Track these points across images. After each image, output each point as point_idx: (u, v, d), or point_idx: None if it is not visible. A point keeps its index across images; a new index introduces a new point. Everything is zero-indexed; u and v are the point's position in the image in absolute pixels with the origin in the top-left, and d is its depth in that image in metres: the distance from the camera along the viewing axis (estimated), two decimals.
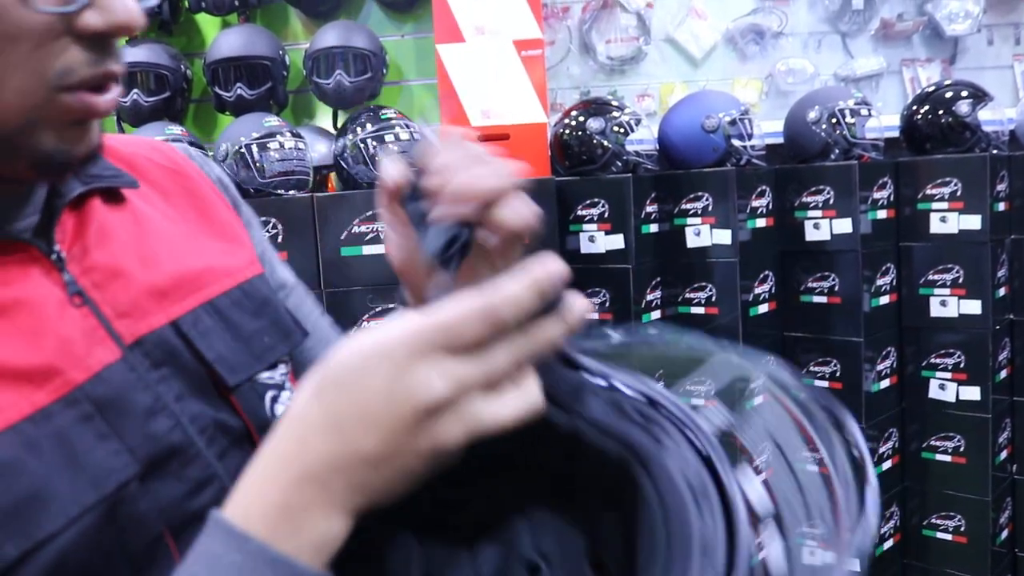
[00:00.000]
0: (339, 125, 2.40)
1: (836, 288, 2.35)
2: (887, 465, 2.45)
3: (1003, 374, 2.41)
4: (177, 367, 0.62)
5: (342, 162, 2.20)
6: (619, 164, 2.27)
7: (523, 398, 0.46)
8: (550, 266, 0.45)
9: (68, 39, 0.52)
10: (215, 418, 0.63)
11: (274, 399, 0.68)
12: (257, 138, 2.05)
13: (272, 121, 2.11)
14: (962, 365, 2.37)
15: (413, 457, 0.45)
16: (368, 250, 2.04)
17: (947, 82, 2.53)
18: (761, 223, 2.34)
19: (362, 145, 2.15)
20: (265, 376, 0.68)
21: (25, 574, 0.50)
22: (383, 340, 0.45)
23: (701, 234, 2.27)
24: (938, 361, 2.41)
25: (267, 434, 0.48)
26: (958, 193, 2.32)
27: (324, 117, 2.71)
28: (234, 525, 0.46)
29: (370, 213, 2.02)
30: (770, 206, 2.37)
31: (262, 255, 0.77)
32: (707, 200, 2.25)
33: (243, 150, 2.02)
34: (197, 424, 0.61)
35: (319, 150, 2.39)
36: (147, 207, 0.68)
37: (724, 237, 2.24)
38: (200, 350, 0.63)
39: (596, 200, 2.18)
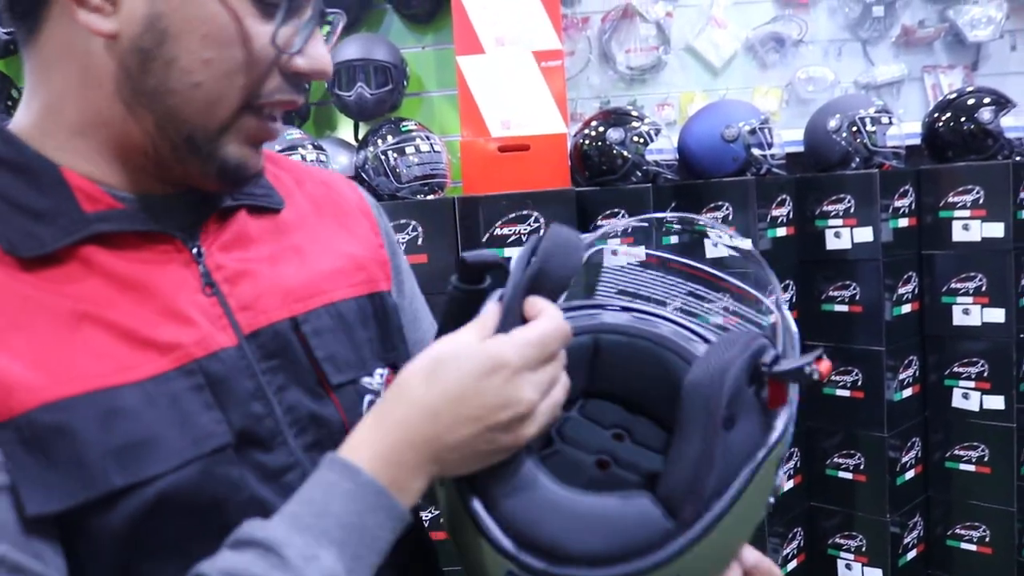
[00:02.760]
0: (360, 137, 2.42)
1: (857, 297, 2.34)
2: (910, 475, 2.43)
3: None
4: (286, 360, 0.70)
5: (364, 174, 2.22)
6: (639, 174, 2.28)
7: (561, 391, 0.64)
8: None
9: (276, 71, 0.65)
10: (312, 411, 0.71)
11: (371, 403, 0.75)
12: (280, 151, 2.07)
13: (294, 134, 2.14)
14: (985, 374, 2.35)
15: (493, 448, 0.61)
16: None
17: (969, 89, 2.52)
18: (782, 232, 2.33)
19: (383, 157, 2.17)
20: (366, 381, 0.76)
21: (127, 505, 0.59)
22: (495, 351, 0.61)
23: (720, 244, 2.26)
24: (961, 370, 2.39)
25: None
26: (980, 201, 2.31)
27: (345, 129, 2.73)
28: (349, 460, 0.60)
29: (392, 224, 2.04)
30: (790, 215, 2.37)
31: (397, 275, 0.88)
32: (727, 210, 2.25)
33: None
34: (292, 415, 0.69)
35: (340, 162, 2.41)
36: (295, 217, 0.78)
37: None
38: (311, 347, 0.72)
39: (616, 210, 2.18)
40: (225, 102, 0.64)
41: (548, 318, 0.63)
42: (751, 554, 0.70)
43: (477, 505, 0.63)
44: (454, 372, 0.61)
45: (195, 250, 0.68)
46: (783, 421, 0.64)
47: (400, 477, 0.60)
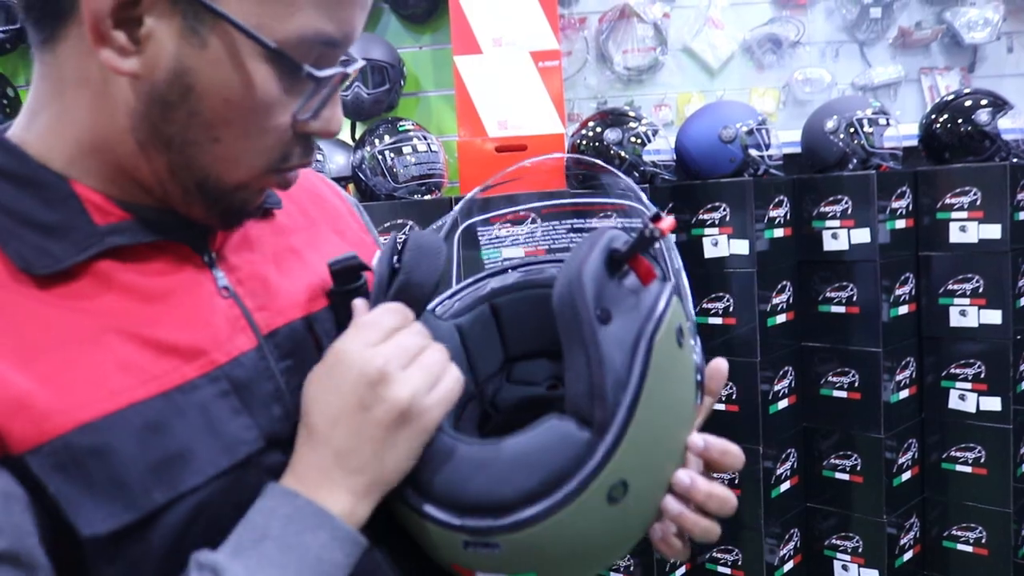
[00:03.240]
0: (357, 137, 2.41)
1: (854, 298, 2.34)
2: (907, 476, 2.43)
3: None
4: (301, 359, 0.70)
5: (360, 174, 2.22)
6: (636, 175, 2.28)
7: (431, 354, 0.64)
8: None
9: (292, 134, 0.64)
10: None
11: None
12: None
13: None
14: (982, 375, 2.35)
15: (380, 426, 0.61)
16: None
17: (966, 91, 2.51)
18: (779, 233, 2.33)
19: (380, 157, 2.16)
20: None
21: (166, 521, 0.59)
22: (335, 347, 0.64)
23: (718, 244, 2.27)
24: (958, 371, 2.39)
25: None
26: (978, 202, 2.31)
27: (342, 128, 2.72)
28: (285, 487, 0.61)
29: (388, 224, 2.03)
30: (788, 216, 2.36)
31: None
32: (724, 210, 2.25)
33: None
34: None
35: (337, 161, 2.40)
36: (288, 220, 0.79)
37: (742, 247, 2.24)
38: (324, 347, 0.70)
39: (611, 212, 2.18)
40: (244, 163, 0.63)
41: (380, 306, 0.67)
42: (700, 438, 0.68)
43: (411, 496, 0.63)
44: (321, 387, 0.64)
45: (206, 255, 0.68)
46: (664, 295, 0.64)
47: (330, 500, 0.61)
